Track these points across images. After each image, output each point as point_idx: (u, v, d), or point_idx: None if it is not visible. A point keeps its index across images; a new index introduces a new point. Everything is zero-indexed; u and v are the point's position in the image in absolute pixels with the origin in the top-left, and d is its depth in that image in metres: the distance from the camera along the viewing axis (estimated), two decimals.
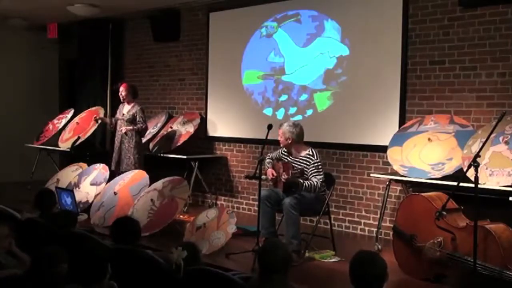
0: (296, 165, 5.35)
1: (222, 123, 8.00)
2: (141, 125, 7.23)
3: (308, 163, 5.32)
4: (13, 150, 9.53)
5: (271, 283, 2.98)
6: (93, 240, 3.95)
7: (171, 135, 7.99)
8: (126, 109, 7.35)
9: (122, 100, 7.42)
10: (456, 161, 5.21)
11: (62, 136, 8.83)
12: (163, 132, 8.19)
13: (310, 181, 5.24)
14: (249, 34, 7.61)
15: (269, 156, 5.66)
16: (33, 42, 10.27)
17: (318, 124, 6.80)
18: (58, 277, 3.12)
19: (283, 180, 5.27)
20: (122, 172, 7.14)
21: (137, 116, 7.22)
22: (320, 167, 5.32)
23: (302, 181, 5.23)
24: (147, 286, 3.38)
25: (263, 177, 5.41)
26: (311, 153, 5.36)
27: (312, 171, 5.29)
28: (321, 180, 5.28)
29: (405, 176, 5.47)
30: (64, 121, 9.07)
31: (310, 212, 5.57)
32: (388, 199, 5.85)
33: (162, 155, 7.79)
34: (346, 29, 6.62)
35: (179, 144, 7.76)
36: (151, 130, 8.29)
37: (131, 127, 7.19)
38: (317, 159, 5.33)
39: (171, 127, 8.11)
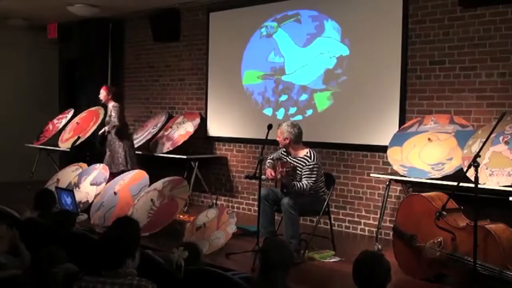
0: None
1: (222, 123, 8.00)
2: (113, 123, 7.24)
3: (303, 164, 5.32)
4: (13, 150, 9.53)
5: (271, 282, 2.98)
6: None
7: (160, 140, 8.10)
8: (108, 111, 7.50)
9: (101, 102, 7.60)
10: (456, 161, 5.21)
11: (62, 136, 8.83)
12: (164, 132, 8.19)
13: (301, 183, 5.25)
14: (249, 34, 7.61)
15: (270, 157, 5.67)
16: (33, 42, 10.28)
17: (318, 124, 6.80)
18: (58, 277, 3.12)
19: (278, 177, 5.29)
20: (115, 173, 7.20)
21: (112, 113, 7.28)
22: (314, 169, 5.30)
23: (294, 183, 5.24)
24: None
25: (263, 177, 5.41)
26: (309, 154, 5.36)
27: (305, 173, 5.29)
28: (311, 182, 5.26)
29: (405, 176, 5.47)
30: (64, 121, 9.07)
31: (310, 212, 5.58)
32: (388, 199, 5.85)
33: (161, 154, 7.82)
34: (346, 29, 6.62)
35: (179, 144, 7.77)
36: (151, 130, 8.30)
37: (103, 129, 7.34)
38: (313, 161, 5.31)
39: (171, 127, 8.12)
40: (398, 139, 5.79)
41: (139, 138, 8.34)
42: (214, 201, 7.93)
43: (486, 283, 3.99)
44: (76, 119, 8.93)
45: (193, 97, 8.43)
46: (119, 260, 2.72)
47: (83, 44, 9.74)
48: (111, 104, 7.38)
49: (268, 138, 5.36)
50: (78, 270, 3.19)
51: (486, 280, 4.00)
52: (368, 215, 6.46)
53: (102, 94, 7.47)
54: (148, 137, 8.24)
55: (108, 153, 7.39)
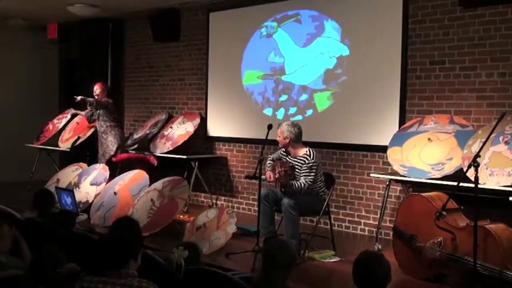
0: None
1: (222, 123, 8.00)
2: (100, 102, 7.63)
3: (302, 162, 5.32)
4: (13, 150, 9.53)
5: (271, 282, 2.99)
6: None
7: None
8: None
9: (95, 98, 7.75)
10: (456, 161, 5.21)
11: (62, 136, 8.85)
12: (164, 132, 8.19)
13: (299, 182, 5.25)
14: (249, 34, 7.61)
15: (270, 158, 5.67)
16: (33, 42, 10.28)
17: (318, 124, 6.80)
18: (58, 277, 3.12)
19: (276, 177, 5.29)
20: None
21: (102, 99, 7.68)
22: (313, 168, 5.30)
23: (292, 182, 5.24)
24: None
25: (263, 177, 5.41)
26: (308, 153, 5.35)
27: (304, 171, 5.29)
28: (309, 181, 5.27)
29: (405, 176, 5.47)
30: (64, 121, 9.08)
31: (310, 212, 5.58)
32: (388, 199, 5.85)
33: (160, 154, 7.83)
34: (346, 29, 6.62)
35: (179, 144, 7.77)
36: (152, 130, 8.30)
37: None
38: (312, 159, 5.31)
39: (171, 127, 8.12)
40: (398, 139, 5.79)
41: (139, 138, 8.35)
42: (214, 201, 7.93)
43: (486, 283, 3.99)
44: (76, 119, 8.94)
45: (193, 97, 8.43)
46: (122, 261, 2.73)
47: (83, 44, 9.73)
48: (104, 99, 7.67)
49: (268, 138, 5.37)
50: (80, 269, 3.20)
51: (486, 280, 4.00)
52: (368, 215, 6.46)
53: (98, 90, 7.69)
54: (149, 136, 8.24)
55: (99, 148, 7.68)
